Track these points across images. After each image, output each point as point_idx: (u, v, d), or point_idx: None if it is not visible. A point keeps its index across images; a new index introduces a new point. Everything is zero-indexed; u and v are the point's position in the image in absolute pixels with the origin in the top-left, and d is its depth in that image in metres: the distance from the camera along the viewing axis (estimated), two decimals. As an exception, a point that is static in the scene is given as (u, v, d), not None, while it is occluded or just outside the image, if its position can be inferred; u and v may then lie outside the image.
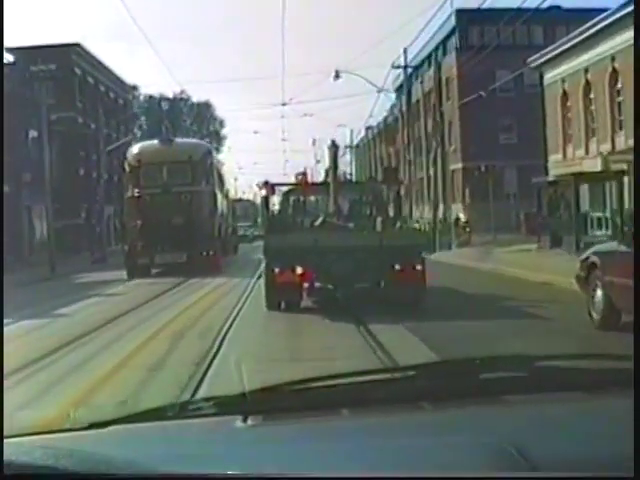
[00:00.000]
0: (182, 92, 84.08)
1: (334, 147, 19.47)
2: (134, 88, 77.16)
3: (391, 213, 19.60)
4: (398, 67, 41.69)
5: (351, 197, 19.84)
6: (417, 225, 34.93)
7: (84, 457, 1.84)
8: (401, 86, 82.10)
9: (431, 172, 60.96)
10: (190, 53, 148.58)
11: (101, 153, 53.96)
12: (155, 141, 32.89)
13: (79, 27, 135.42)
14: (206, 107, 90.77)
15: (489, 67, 51.48)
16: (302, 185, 20.70)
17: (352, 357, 10.66)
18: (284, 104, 57.65)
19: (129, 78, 69.23)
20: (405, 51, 40.51)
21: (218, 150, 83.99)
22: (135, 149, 32.26)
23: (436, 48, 62.82)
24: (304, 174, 22.40)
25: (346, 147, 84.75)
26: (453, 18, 61.12)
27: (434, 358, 9.22)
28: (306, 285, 16.20)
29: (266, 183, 19.71)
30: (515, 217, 41.38)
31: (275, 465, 1.86)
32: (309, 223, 18.29)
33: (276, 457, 1.96)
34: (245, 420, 2.19)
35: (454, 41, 62.46)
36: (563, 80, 39.32)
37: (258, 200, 45.34)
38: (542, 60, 41.66)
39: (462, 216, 37.15)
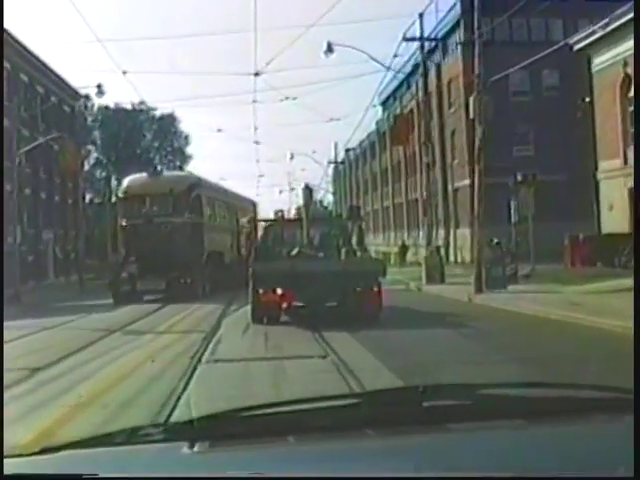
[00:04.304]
0: (142, 102, 73.91)
1: (308, 189, 22.60)
2: (86, 97, 67.11)
3: (354, 244, 21.80)
4: (412, 39, 31.77)
5: (321, 231, 21.89)
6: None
7: None
8: (397, 89, 73.84)
9: (453, 185, 51.81)
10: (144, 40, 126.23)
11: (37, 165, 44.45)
12: (144, 174, 34.73)
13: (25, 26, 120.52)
14: (170, 120, 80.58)
15: (501, 66, 41.52)
16: (280, 221, 23.05)
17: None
18: (257, 74, 38.95)
19: (85, 89, 57.92)
20: (421, 17, 30.74)
21: (182, 169, 74.26)
22: (125, 181, 34.66)
23: (436, 45, 53.35)
24: (282, 211, 24.89)
25: (329, 163, 76.12)
26: (458, 7, 51.99)
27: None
28: (284, 304, 18.63)
29: (249, 220, 25.36)
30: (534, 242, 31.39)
31: None
32: (286, 252, 20.57)
33: None
34: (192, 447, 2.21)
35: (458, 35, 53.46)
36: (625, 62, 29.91)
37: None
38: (591, 39, 32.34)
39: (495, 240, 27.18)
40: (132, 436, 2.37)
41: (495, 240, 27.34)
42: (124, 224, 32.41)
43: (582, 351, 12.38)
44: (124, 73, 41.48)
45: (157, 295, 29.82)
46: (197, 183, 35.21)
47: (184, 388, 9.92)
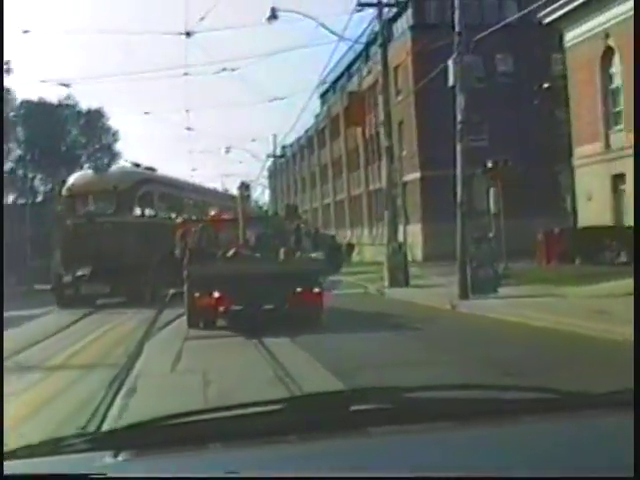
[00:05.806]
0: (68, 97, 69.71)
1: (244, 186, 23.29)
2: (7, 90, 62.47)
3: (292, 244, 21.04)
4: (368, 4, 27.87)
5: (258, 231, 21.70)
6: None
7: None
8: (338, 80, 70.20)
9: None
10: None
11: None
12: (90, 171, 34.52)
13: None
14: (97, 115, 76.18)
15: (451, 52, 38.10)
16: (216, 221, 23.28)
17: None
18: (188, 34, 34.16)
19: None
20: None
21: (109, 166, 70.00)
22: (71, 178, 33.16)
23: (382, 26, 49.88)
24: (218, 211, 24.82)
25: (268, 156, 72.48)
26: (406, -14, 48.58)
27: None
28: (221, 308, 17.98)
29: (183, 222, 24.34)
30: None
31: None
32: (222, 254, 19.86)
33: None
34: (116, 456, 2.16)
35: (405, 19, 50.06)
36: (607, 34, 26.46)
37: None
38: (564, 11, 28.84)
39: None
40: (56, 446, 2.23)
41: (476, 234, 23.58)
42: (67, 224, 30.83)
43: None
44: (25, 32, 36.90)
45: (106, 299, 28.52)
46: (147, 179, 33.14)
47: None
